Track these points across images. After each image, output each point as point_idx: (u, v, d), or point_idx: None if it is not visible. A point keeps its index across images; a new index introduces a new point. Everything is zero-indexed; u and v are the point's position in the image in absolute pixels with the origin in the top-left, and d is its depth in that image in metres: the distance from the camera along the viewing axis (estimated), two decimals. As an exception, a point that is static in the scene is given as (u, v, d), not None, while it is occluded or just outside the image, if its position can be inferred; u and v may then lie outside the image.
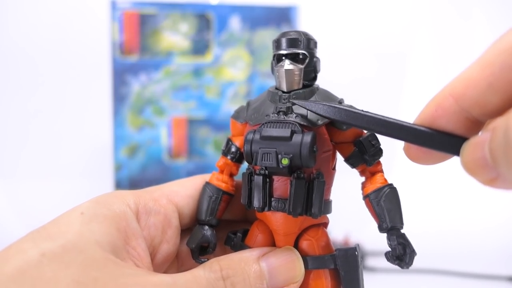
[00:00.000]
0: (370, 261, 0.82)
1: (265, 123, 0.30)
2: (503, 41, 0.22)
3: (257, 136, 0.29)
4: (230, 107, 0.92)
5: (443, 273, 0.77)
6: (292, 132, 0.28)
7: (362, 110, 0.27)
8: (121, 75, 0.91)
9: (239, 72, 0.93)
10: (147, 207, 0.31)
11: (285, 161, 0.28)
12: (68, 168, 1.06)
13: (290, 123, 0.29)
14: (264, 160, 0.28)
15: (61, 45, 1.09)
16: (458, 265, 0.78)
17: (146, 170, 0.92)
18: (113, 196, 0.30)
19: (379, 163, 0.32)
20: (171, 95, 0.92)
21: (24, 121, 1.11)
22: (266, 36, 0.93)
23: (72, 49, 1.09)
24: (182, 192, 0.34)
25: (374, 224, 0.31)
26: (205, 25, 0.92)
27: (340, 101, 0.32)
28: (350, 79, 1.08)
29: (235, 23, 0.92)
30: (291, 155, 0.28)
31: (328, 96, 0.32)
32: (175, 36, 0.92)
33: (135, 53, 0.91)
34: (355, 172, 0.33)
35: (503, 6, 1.12)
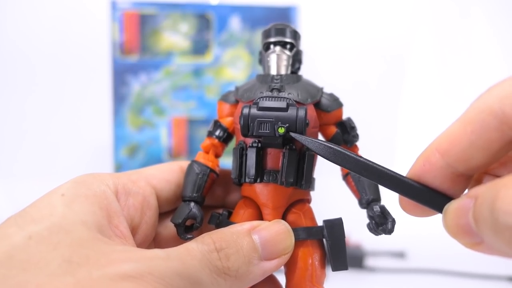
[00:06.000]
0: (370, 261, 0.82)
1: (261, 97, 0.31)
2: (482, 100, 0.23)
3: (254, 108, 0.30)
4: (230, 107, 0.92)
5: (443, 273, 0.77)
6: (288, 105, 0.30)
7: (358, 155, 0.27)
8: (121, 75, 0.91)
9: (239, 72, 0.93)
10: (126, 188, 0.31)
11: (281, 130, 0.29)
12: (68, 168, 1.06)
13: (284, 98, 0.31)
14: (261, 130, 0.30)
15: (61, 45, 1.09)
16: (458, 265, 0.78)
17: (146, 170, 0.92)
18: (92, 176, 0.30)
19: (356, 146, 0.35)
20: (171, 95, 0.92)
21: (24, 120, 1.11)
22: (266, 36, 0.93)
23: (72, 49, 1.09)
24: (160, 176, 0.34)
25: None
26: (205, 25, 0.92)
27: (321, 89, 0.34)
28: (349, 78, 1.08)
29: (235, 23, 0.92)
30: (287, 125, 0.29)
31: (310, 84, 0.34)
32: (175, 36, 0.92)
33: (135, 53, 0.92)
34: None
35: (503, 7, 1.12)
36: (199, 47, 0.92)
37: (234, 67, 0.93)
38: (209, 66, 0.93)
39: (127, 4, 0.91)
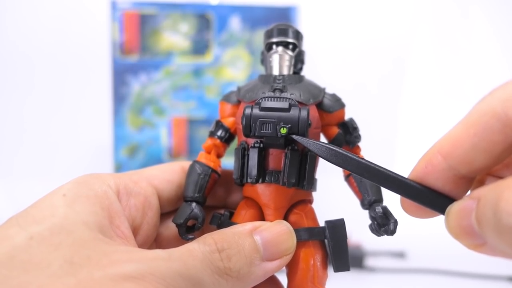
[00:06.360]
0: (370, 261, 0.82)
1: (263, 97, 0.31)
2: (485, 103, 0.23)
3: (256, 108, 0.30)
4: (230, 107, 0.92)
5: (443, 273, 0.77)
6: (290, 105, 0.30)
7: (360, 157, 0.27)
8: (121, 75, 0.91)
9: (239, 72, 0.93)
10: (128, 188, 0.31)
11: (283, 130, 0.29)
12: (68, 168, 1.06)
13: (286, 98, 0.31)
14: (263, 130, 0.30)
15: (61, 45, 1.09)
16: (458, 265, 0.78)
17: (146, 170, 0.92)
18: (93, 177, 0.30)
19: (359, 147, 0.35)
20: (171, 95, 0.92)
21: (24, 121, 1.11)
22: (266, 36, 0.93)
23: (72, 49, 1.09)
24: (161, 176, 0.34)
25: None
26: (205, 25, 0.92)
27: (323, 90, 0.34)
28: (349, 79, 1.08)
29: (235, 23, 0.92)
30: (290, 125, 0.29)
31: (313, 85, 0.34)
32: (175, 36, 0.92)
33: (135, 53, 0.92)
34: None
35: (503, 7, 1.12)
36: (199, 47, 0.92)
37: (234, 67, 0.93)
38: (209, 66, 0.93)
39: (127, 4, 0.91)
